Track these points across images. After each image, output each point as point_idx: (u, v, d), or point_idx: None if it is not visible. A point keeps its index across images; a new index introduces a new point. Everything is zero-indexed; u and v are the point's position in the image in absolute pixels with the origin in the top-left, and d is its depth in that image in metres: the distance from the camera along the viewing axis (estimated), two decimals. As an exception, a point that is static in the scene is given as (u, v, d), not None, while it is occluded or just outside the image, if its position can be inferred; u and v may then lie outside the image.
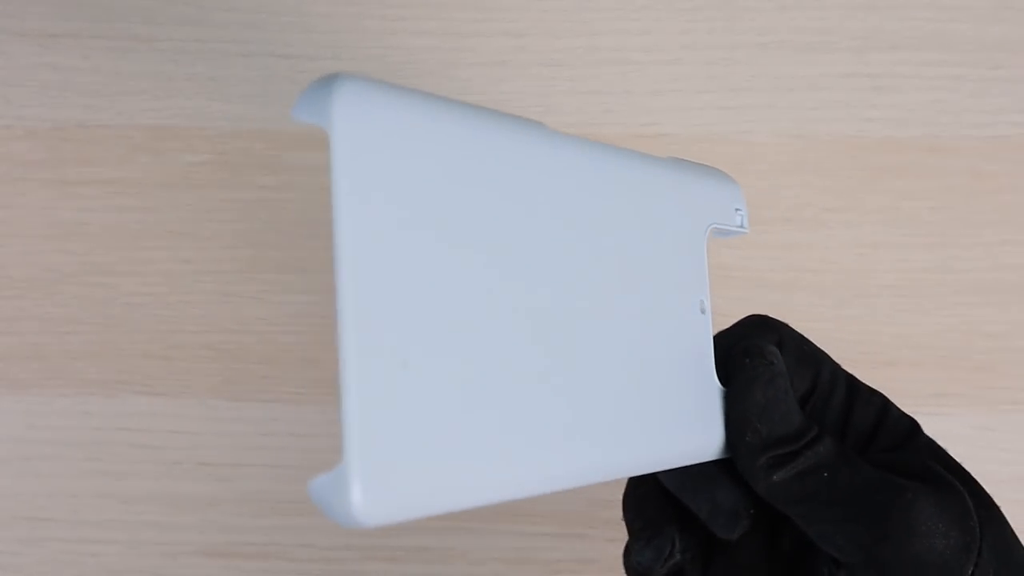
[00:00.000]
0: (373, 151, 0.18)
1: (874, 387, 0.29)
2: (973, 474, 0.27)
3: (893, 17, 0.45)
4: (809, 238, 0.44)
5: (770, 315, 0.29)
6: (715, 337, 0.27)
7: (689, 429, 0.25)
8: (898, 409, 0.28)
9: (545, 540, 0.44)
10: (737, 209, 0.28)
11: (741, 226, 0.28)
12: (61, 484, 0.45)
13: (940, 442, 0.28)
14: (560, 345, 0.21)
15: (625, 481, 0.29)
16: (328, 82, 0.18)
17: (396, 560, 0.44)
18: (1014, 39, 0.45)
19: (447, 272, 0.19)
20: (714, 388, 0.26)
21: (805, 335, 0.28)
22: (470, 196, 0.20)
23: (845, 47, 0.45)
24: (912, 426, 0.28)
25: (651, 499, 0.28)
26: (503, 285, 0.20)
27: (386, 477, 0.17)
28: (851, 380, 0.28)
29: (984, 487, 0.27)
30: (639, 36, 0.45)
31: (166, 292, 0.45)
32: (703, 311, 0.26)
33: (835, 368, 0.28)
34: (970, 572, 0.24)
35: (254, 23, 0.45)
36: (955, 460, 0.27)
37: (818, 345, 0.29)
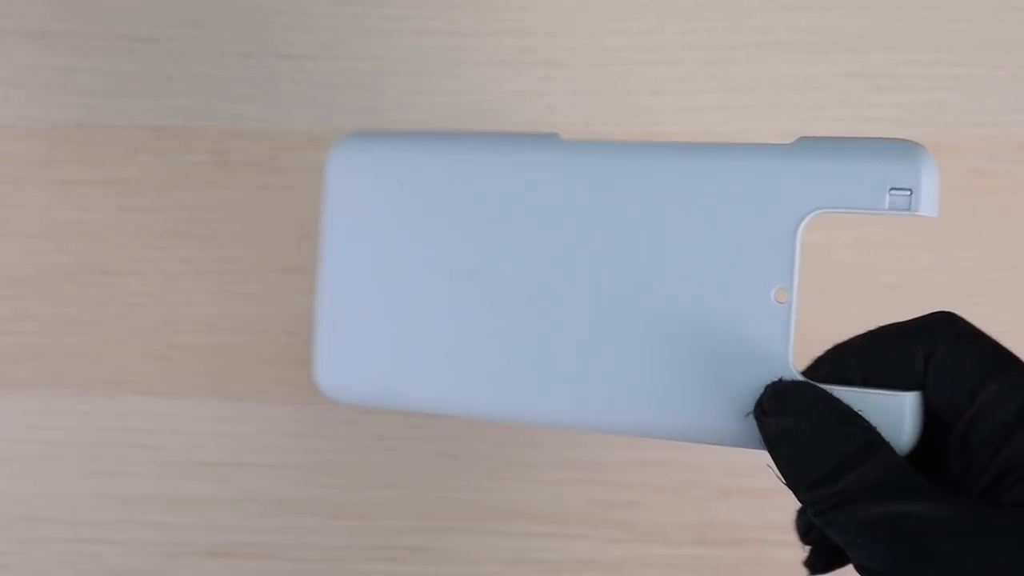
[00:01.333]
0: (353, 185, 0.29)
1: None
2: None
3: (893, 17, 0.45)
4: (809, 238, 0.44)
5: (955, 313, 0.25)
6: (874, 331, 0.25)
7: (733, 412, 0.25)
8: None
9: (545, 540, 0.44)
10: (895, 189, 0.25)
11: (907, 208, 0.25)
12: (61, 484, 0.45)
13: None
14: (539, 310, 0.27)
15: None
16: (336, 142, 0.30)
17: (396, 560, 0.44)
18: (1014, 39, 0.45)
19: (412, 258, 0.29)
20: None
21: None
22: (443, 207, 0.28)
23: (845, 47, 0.45)
24: None
25: None
26: (464, 265, 0.28)
27: (337, 369, 0.29)
28: None
29: None
30: (640, 36, 0.45)
31: (166, 292, 0.45)
32: (782, 300, 0.25)
33: (1008, 388, 0.24)
34: None
35: (254, 23, 0.45)
36: None
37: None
